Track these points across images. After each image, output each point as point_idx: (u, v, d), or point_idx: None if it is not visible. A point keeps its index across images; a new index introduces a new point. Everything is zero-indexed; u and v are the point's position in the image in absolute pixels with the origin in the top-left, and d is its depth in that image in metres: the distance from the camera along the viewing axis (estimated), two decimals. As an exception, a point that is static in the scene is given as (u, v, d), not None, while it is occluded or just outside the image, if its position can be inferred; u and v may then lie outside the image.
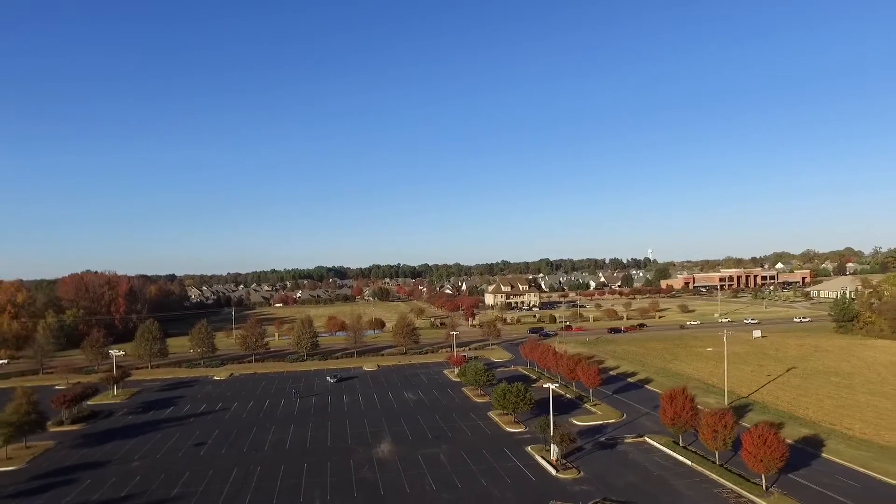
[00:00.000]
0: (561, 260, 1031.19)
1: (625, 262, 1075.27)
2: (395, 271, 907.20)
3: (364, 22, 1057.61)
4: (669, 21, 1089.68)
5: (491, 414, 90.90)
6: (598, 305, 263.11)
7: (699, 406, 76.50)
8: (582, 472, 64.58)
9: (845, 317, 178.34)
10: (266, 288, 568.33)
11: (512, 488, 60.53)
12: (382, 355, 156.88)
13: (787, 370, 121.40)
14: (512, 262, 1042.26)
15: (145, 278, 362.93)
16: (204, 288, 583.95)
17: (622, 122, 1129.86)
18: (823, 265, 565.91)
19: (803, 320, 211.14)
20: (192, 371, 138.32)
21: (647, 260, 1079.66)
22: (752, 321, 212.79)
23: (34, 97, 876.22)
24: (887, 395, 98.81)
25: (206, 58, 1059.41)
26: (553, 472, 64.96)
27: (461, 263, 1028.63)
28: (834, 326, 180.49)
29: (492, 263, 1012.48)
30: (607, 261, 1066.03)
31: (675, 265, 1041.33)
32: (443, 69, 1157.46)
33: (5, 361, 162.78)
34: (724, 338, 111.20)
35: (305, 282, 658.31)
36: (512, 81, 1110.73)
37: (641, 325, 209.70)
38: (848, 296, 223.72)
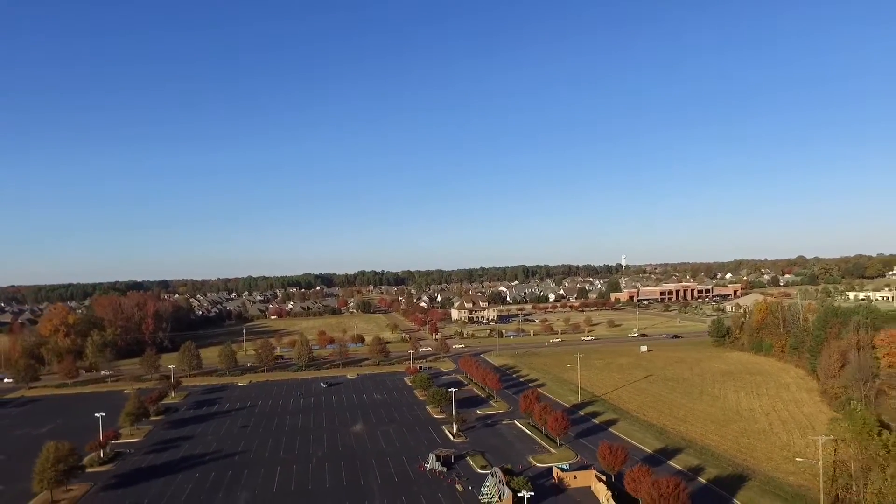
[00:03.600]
0: (537, 266, 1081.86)
1: (598, 267, 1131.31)
2: (380, 278, 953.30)
3: (336, 35, 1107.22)
4: (635, 38, 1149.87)
5: (427, 407, 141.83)
6: (545, 320, 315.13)
7: (557, 400, 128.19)
8: (468, 438, 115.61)
9: (719, 333, 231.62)
10: (258, 297, 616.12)
11: (426, 446, 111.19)
12: (361, 366, 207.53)
13: (645, 377, 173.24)
14: (490, 267, 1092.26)
15: (158, 297, 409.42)
16: (200, 297, 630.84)
17: (606, 129, 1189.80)
18: (766, 275, 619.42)
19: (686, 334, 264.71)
20: (221, 379, 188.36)
21: (618, 266, 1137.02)
22: (637, 335, 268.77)
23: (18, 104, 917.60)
24: (692, 395, 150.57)
25: (196, 67, 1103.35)
26: (452, 438, 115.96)
27: (443, 269, 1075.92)
28: (712, 341, 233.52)
29: (471, 269, 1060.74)
30: (581, 266, 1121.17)
31: (645, 271, 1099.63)
32: (429, 76, 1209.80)
33: (107, 373, 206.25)
34: (578, 356, 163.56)
35: (294, 290, 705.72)
36: (502, 88, 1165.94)
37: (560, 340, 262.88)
38: (733, 314, 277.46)
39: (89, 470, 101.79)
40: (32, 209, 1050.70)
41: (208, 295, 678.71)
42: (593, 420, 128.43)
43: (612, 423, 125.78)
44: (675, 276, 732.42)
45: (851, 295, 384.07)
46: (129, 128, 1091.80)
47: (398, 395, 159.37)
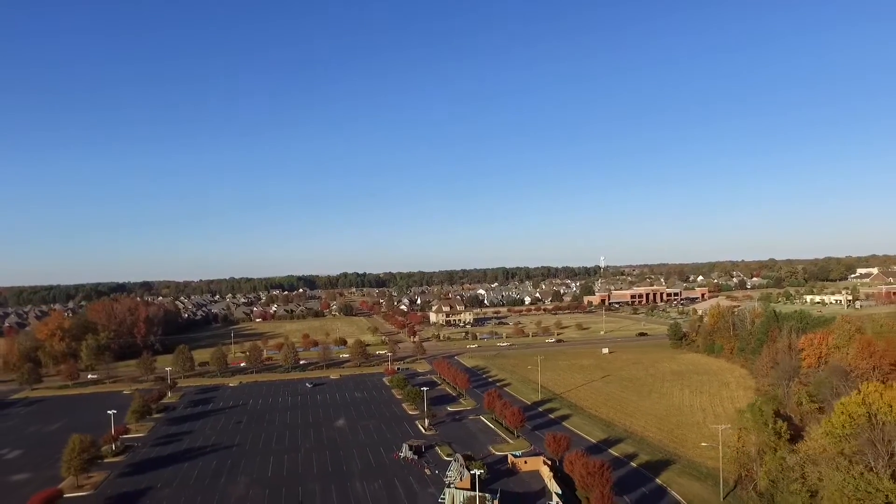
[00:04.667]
0: (517, 268, 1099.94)
1: (576, 269, 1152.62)
2: (362, 280, 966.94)
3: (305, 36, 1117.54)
4: (622, 41, 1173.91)
5: (403, 404, 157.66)
6: (518, 323, 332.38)
7: (520, 398, 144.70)
8: (438, 431, 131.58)
9: (676, 336, 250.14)
10: (242, 300, 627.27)
11: (400, 437, 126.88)
12: (343, 367, 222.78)
13: (602, 377, 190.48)
14: (471, 269, 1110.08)
15: (147, 301, 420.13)
16: (184, 299, 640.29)
17: (588, 130, 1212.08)
18: (735, 279, 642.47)
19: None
20: (213, 380, 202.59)
21: (597, 268, 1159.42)
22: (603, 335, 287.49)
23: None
24: (642, 393, 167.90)
25: (178, 67, 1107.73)
26: (424, 431, 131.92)
27: (424, 270, 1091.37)
28: (670, 343, 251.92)
29: (452, 271, 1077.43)
30: (560, 268, 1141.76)
31: (623, 273, 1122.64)
32: (413, 77, 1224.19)
33: (95, 376, 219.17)
34: (539, 358, 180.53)
35: (277, 293, 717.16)
36: (489, 89, 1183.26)
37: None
38: (689, 318, 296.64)
39: (105, 460, 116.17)
40: (10, 210, 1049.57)
41: (192, 297, 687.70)
42: (550, 415, 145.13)
43: (566, 417, 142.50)
44: (650, 278, 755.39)
45: (808, 298, 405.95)
46: (111, 128, 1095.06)
47: (377, 394, 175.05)
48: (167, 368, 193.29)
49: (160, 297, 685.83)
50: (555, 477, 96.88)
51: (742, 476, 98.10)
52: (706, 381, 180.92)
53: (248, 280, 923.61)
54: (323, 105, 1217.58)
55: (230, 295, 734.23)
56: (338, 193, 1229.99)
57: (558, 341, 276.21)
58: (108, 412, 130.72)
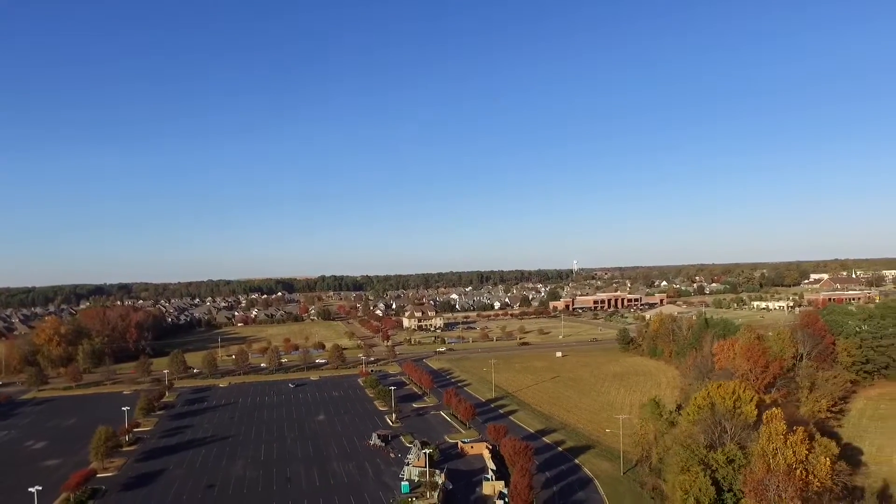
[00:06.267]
0: (491, 271, 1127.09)
1: (549, 272, 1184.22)
2: (339, 283, 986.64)
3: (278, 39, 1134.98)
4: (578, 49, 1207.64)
5: (375, 402, 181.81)
6: (485, 328, 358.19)
7: (477, 396, 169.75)
8: (403, 424, 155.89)
9: (624, 341, 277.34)
10: (222, 303, 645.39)
11: (371, 429, 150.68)
12: (322, 369, 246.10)
13: (552, 378, 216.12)
14: (447, 272, 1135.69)
15: (135, 307, 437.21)
16: (165, 303, 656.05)
17: (564, 132, 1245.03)
18: (695, 284, 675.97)
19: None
20: (205, 381, 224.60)
21: (570, 271, 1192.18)
22: (561, 339, 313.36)
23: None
24: (583, 392, 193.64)
25: (155, 66, 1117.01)
26: (391, 424, 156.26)
27: (402, 273, 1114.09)
28: (619, 347, 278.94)
29: (428, 274, 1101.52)
30: (533, 271, 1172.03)
31: (594, 276, 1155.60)
32: (395, 79, 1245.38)
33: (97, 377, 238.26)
34: (492, 362, 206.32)
35: (257, 296, 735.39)
36: (474, 89, 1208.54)
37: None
38: (638, 324, 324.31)
39: (122, 449, 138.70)
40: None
41: (172, 301, 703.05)
42: (500, 410, 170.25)
43: (513, 412, 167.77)
44: (617, 282, 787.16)
45: (755, 304, 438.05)
46: (84, 129, 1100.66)
47: (352, 393, 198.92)
48: (164, 371, 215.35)
49: (140, 301, 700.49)
50: (493, 457, 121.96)
51: (643, 456, 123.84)
52: (642, 382, 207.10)
53: (227, 283, 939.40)
54: (296, 106, 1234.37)
55: (210, 298, 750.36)
56: (315, 196, 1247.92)
57: (520, 345, 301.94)
58: (123, 409, 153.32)
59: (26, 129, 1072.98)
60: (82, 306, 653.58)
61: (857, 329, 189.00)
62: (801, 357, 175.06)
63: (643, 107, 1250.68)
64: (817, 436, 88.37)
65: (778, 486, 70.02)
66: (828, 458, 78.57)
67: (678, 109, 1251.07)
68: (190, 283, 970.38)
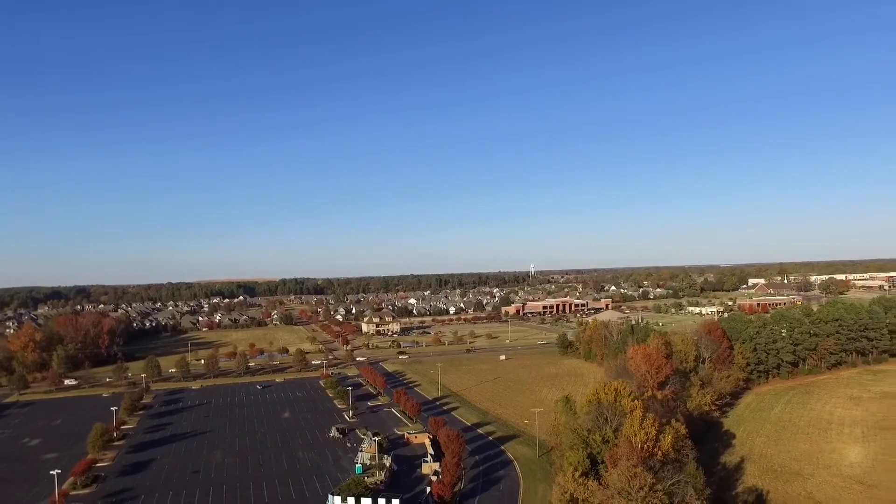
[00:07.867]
0: (450, 275, 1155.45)
1: (506, 275, 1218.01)
2: (301, 287, 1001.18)
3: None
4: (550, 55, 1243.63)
5: (334, 401, 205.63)
6: (439, 332, 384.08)
7: (424, 395, 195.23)
8: (359, 419, 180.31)
9: (563, 345, 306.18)
10: (185, 308, 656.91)
11: (331, 423, 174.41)
12: (286, 372, 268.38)
13: (493, 379, 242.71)
14: (407, 275, 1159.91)
15: (105, 314, 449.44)
16: (126, 307, 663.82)
17: (523, 139, 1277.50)
18: (640, 289, 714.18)
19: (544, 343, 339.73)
20: (178, 384, 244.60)
21: (527, 274, 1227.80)
22: (508, 344, 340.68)
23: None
24: (520, 391, 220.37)
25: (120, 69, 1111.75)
26: (349, 419, 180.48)
27: (363, 276, 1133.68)
28: (559, 351, 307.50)
29: (388, 277, 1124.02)
30: (491, 274, 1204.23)
31: (550, 280, 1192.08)
32: (374, 81, 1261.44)
33: (73, 382, 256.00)
34: (439, 365, 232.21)
35: (218, 300, 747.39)
36: (456, 93, 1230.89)
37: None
38: (576, 329, 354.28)
39: (113, 443, 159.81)
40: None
41: (134, 305, 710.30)
42: (444, 407, 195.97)
43: (455, 408, 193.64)
44: (569, 287, 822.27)
45: (691, 309, 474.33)
46: (36, 130, 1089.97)
47: (314, 394, 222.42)
48: (142, 375, 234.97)
49: (101, 305, 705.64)
50: (433, 445, 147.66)
51: (556, 443, 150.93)
52: (573, 382, 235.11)
53: (189, 286, 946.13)
54: (261, 110, 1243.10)
55: (172, 303, 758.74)
56: (275, 199, 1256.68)
57: (468, 350, 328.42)
58: (112, 409, 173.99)
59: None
60: (40, 310, 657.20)
61: (751, 335, 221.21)
62: (704, 360, 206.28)
63: (600, 111, 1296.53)
64: (673, 422, 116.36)
65: (626, 456, 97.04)
66: (670, 437, 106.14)
67: (640, 113, 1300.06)
68: (149, 286, 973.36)
